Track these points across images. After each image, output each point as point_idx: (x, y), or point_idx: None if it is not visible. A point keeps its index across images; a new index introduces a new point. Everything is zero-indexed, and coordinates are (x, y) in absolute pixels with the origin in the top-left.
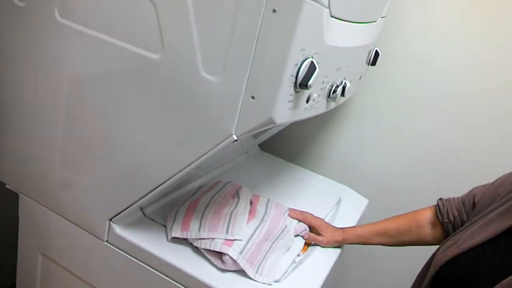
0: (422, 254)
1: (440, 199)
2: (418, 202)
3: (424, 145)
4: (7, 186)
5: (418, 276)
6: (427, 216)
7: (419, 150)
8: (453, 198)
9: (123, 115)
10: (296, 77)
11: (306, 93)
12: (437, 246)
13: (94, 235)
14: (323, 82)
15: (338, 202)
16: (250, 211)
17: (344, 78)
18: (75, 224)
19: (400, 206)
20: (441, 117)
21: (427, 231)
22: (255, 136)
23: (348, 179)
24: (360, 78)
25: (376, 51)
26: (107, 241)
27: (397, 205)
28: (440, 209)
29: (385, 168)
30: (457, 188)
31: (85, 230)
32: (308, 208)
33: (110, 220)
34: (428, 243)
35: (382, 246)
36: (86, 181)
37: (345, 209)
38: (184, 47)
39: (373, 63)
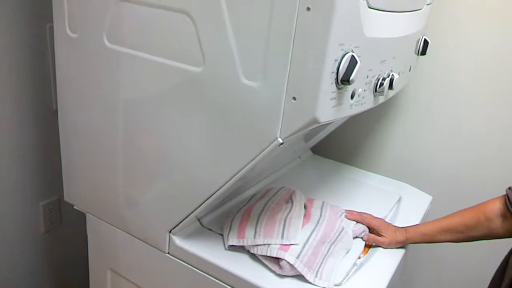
0: (498, 251)
1: (510, 188)
2: (487, 193)
3: (487, 134)
4: (75, 207)
5: (494, 277)
6: (496, 207)
7: (482, 139)
8: None
9: (175, 130)
10: (337, 73)
11: (349, 88)
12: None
13: (156, 248)
14: (367, 76)
15: (399, 201)
16: (304, 215)
17: (391, 70)
18: (138, 238)
19: (467, 199)
20: (502, 102)
21: (498, 224)
22: (306, 139)
23: (408, 177)
24: (410, 70)
25: (425, 40)
26: (168, 253)
27: (464, 199)
28: (510, 199)
29: (447, 161)
30: None
31: (148, 243)
32: (367, 208)
33: (170, 232)
34: (500, 236)
35: (452, 245)
36: (146, 197)
37: (407, 207)
38: (223, 56)
39: (423, 52)
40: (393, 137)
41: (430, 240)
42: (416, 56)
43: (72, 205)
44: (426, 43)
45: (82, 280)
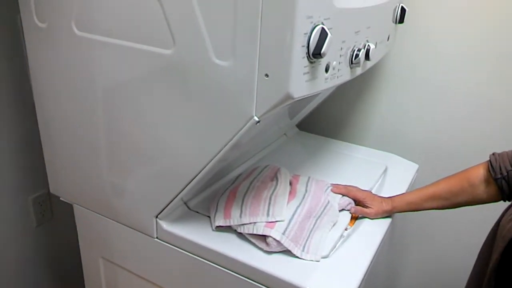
0: (488, 217)
1: (493, 154)
2: (472, 159)
3: (471, 100)
4: (61, 198)
5: (482, 251)
6: (480, 173)
7: (466, 106)
8: (507, 152)
9: (153, 115)
10: (308, 47)
11: (322, 62)
12: (498, 212)
13: (144, 234)
14: (341, 48)
15: (385, 171)
16: (290, 192)
17: (367, 41)
18: (126, 225)
19: (453, 166)
20: (485, 67)
21: (481, 189)
22: (291, 116)
23: (394, 147)
24: (388, 39)
25: (402, 7)
26: (157, 237)
27: (449, 165)
28: (492, 164)
29: (432, 129)
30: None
31: (136, 230)
32: (354, 181)
33: (156, 217)
34: (483, 201)
35: (442, 214)
36: (130, 184)
37: (393, 177)
38: (192, 36)
39: (401, 20)
40: (377, 108)
41: (416, 208)
42: (394, 24)
43: (59, 197)
44: (403, 10)
45: (77, 270)
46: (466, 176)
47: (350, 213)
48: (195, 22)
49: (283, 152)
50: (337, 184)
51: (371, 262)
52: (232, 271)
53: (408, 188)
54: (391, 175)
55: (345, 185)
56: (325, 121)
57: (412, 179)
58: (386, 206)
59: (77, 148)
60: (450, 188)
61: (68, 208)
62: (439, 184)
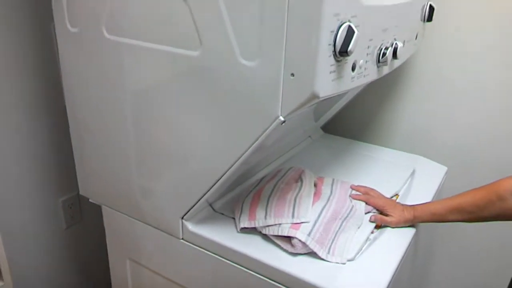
0: None
1: None
2: (504, 162)
3: (502, 103)
4: (90, 200)
5: None
6: (511, 186)
7: (497, 108)
8: None
9: (178, 117)
10: (334, 45)
11: (349, 60)
12: None
13: (171, 235)
14: (368, 47)
15: (412, 174)
16: (315, 193)
17: (395, 39)
18: (153, 226)
19: (483, 169)
20: None
21: None
22: (316, 118)
23: (422, 149)
24: (416, 37)
25: (430, 5)
26: (182, 238)
27: (479, 168)
28: None
29: (461, 131)
30: None
31: (162, 231)
32: (379, 183)
33: (182, 218)
34: None
35: (471, 225)
36: (157, 186)
37: (421, 180)
38: (219, 37)
39: (429, 19)
40: (404, 109)
41: (439, 219)
42: (422, 23)
43: (88, 198)
44: (431, 9)
45: (104, 272)
46: (495, 189)
47: (370, 221)
48: (222, 23)
49: (308, 155)
50: (358, 186)
51: (398, 266)
52: (257, 273)
53: (437, 191)
54: (419, 178)
55: (365, 188)
56: (350, 123)
57: (441, 182)
58: (408, 215)
59: (107, 150)
60: (476, 201)
61: (96, 211)
62: (464, 196)
